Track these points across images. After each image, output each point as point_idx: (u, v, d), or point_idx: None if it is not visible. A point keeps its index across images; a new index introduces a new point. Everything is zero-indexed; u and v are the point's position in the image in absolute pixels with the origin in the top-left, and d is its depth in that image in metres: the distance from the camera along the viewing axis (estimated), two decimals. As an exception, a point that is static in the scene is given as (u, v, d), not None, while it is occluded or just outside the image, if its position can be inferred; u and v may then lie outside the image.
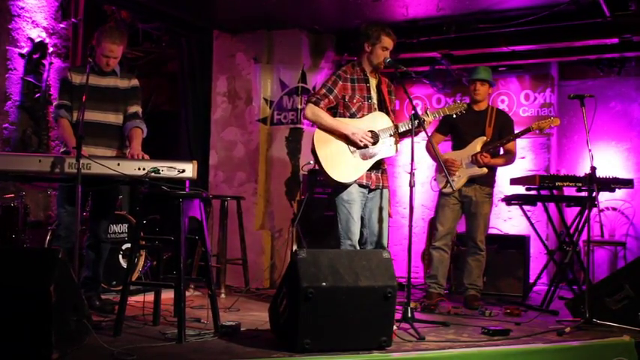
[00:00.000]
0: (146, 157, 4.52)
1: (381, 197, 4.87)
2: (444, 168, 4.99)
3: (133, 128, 4.86)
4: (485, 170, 5.72)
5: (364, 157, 4.75)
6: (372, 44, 4.86)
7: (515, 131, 5.90)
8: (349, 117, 4.81)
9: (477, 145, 5.76)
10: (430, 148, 5.78)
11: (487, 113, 5.86)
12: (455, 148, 5.93)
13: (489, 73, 5.94)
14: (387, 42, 4.84)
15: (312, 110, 4.79)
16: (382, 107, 4.91)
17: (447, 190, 5.76)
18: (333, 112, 4.86)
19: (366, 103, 4.84)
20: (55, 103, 4.98)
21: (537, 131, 5.84)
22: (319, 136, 4.77)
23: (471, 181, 5.75)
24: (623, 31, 6.44)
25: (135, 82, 5.05)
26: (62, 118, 4.76)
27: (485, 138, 5.77)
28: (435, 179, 6.01)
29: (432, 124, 5.04)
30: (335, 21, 7.08)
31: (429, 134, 5.81)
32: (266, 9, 6.64)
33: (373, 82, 4.94)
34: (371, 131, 4.74)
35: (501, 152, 5.88)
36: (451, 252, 6.00)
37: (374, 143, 4.74)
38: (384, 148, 4.80)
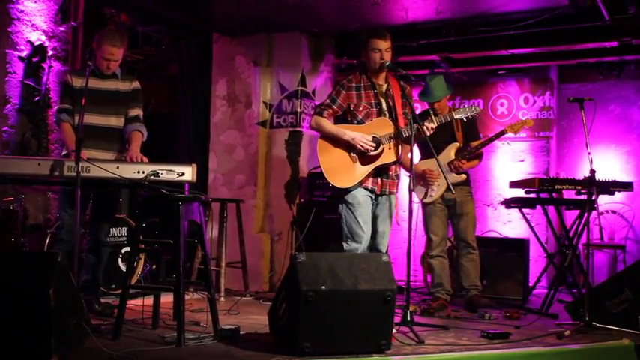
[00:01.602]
0: (145, 159, 4.52)
1: (386, 204, 4.87)
2: (445, 175, 4.95)
3: (133, 131, 4.86)
4: (464, 176, 5.76)
5: (364, 163, 4.75)
6: (365, 50, 4.87)
7: (520, 135, 5.91)
8: (357, 124, 4.81)
9: (450, 152, 5.77)
10: (403, 160, 5.76)
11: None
12: (426, 156, 5.85)
13: (443, 87, 5.83)
14: (377, 43, 4.82)
15: (315, 120, 4.86)
16: (392, 112, 4.90)
17: (428, 200, 5.77)
18: (341, 121, 4.88)
19: (374, 109, 4.83)
20: (56, 106, 4.98)
21: (512, 133, 5.84)
22: (321, 144, 4.81)
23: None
24: (623, 35, 6.46)
25: (136, 84, 5.05)
26: (64, 122, 4.77)
27: (457, 144, 5.79)
28: (412, 190, 5.96)
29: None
30: (334, 24, 7.09)
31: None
32: (265, 12, 6.65)
33: (382, 87, 4.93)
34: (373, 137, 4.75)
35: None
36: (449, 256, 6.01)
37: (375, 148, 4.73)
38: (385, 154, 4.79)
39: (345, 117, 4.88)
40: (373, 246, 4.86)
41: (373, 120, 4.82)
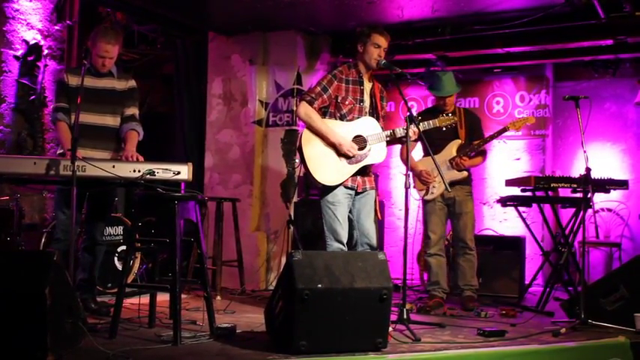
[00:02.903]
0: (140, 158, 4.51)
1: (368, 199, 4.88)
2: (442, 173, 4.96)
3: (129, 131, 4.85)
4: (465, 174, 5.76)
5: (350, 162, 4.76)
6: (363, 43, 4.87)
7: (517, 133, 5.94)
8: (339, 118, 4.82)
9: (452, 149, 5.77)
10: (405, 157, 5.77)
11: (456, 115, 5.79)
12: (428, 153, 5.87)
13: (454, 83, 5.87)
14: (378, 39, 4.84)
15: (305, 110, 4.80)
16: (374, 112, 4.92)
17: (429, 197, 5.77)
18: (324, 110, 4.87)
19: (357, 105, 4.85)
20: (52, 105, 4.97)
21: (514, 130, 5.86)
22: (307, 135, 4.79)
23: (451, 183, 5.74)
24: (618, 33, 6.46)
25: (132, 83, 5.04)
26: (60, 121, 4.75)
27: (459, 141, 5.79)
28: (414, 187, 5.98)
29: None
30: (330, 23, 7.08)
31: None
32: (261, 11, 6.64)
33: (368, 85, 4.94)
34: (359, 136, 4.76)
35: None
36: (447, 254, 6.01)
37: (361, 149, 4.75)
38: (372, 155, 4.80)
39: (327, 107, 4.87)
40: (366, 242, 4.86)
41: (359, 118, 4.83)
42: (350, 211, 4.87)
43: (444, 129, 5.23)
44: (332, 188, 4.75)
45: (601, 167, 7.32)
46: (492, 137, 5.88)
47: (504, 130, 5.78)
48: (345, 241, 4.79)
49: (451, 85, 5.84)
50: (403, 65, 6.71)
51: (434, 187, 5.73)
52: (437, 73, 5.99)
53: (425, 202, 5.86)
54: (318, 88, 4.85)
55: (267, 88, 7.42)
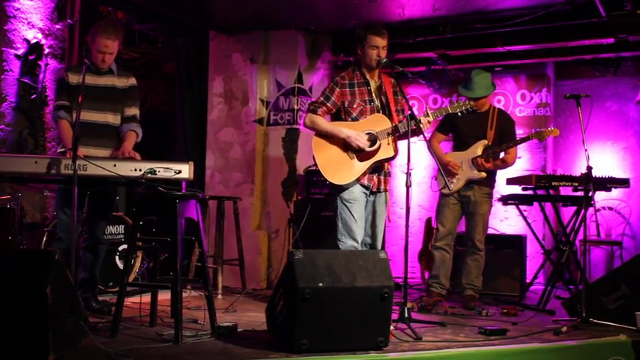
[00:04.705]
0: (137, 156, 4.51)
1: (380, 200, 4.88)
2: (442, 171, 4.97)
3: (128, 131, 4.86)
4: (484, 174, 5.73)
5: (361, 159, 4.75)
6: (362, 46, 4.87)
7: (517, 131, 5.95)
8: (351, 122, 4.81)
9: (478, 148, 5.76)
10: (431, 149, 5.77)
11: (489, 115, 5.83)
12: (456, 148, 5.92)
13: (487, 85, 5.84)
14: (375, 40, 4.83)
15: (309, 118, 4.84)
16: (386, 109, 4.90)
17: (445, 190, 5.77)
18: (335, 119, 4.88)
19: (368, 106, 4.84)
20: (53, 104, 4.96)
21: (537, 140, 5.86)
22: (317, 142, 4.80)
23: (469, 182, 5.75)
24: (619, 31, 6.46)
25: (132, 80, 5.03)
26: (62, 119, 4.75)
27: (486, 142, 5.78)
28: (435, 179, 6.02)
29: (432, 123, 5.01)
30: (331, 21, 7.08)
31: (431, 134, 5.86)
32: (262, 9, 6.64)
33: (374, 84, 4.93)
34: (369, 133, 4.75)
35: (501, 155, 5.87)
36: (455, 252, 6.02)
37: (371, 145, 4.74)
38: (382, 150, 4.79)
39: (339, 114, 4.88)
40: (368, 243, 4.86)
41: (368, 116, 4.82)
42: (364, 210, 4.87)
43: (461, 113, 5.11)
44: (347, 186, 4.75)
45: (602, 166, 7.33)
46: (516, 143, 5.83)
47: (527, 138, 5.77)
48: (359, 240, 4.77)
49: (481, 88, 5.80)
50: (404, 64, 6.71)
51: (452, 182, 5.73)
52: (470, 74, 5.94)
53: (440, 195, 5.88)
54: (321, 98, 4.87)
55: (268, 87, 7.43)
